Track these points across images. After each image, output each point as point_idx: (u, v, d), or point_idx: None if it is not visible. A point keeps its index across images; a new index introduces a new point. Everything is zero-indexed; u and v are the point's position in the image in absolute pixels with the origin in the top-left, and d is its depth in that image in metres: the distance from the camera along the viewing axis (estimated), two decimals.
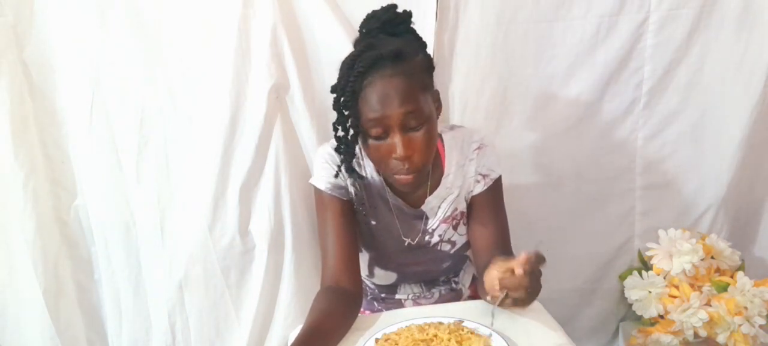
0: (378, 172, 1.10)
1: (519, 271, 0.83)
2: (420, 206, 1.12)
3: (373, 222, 1.14)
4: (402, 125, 0.94)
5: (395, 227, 1.14)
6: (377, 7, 1.03)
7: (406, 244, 1.14)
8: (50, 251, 1.35)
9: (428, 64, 1.02)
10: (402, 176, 0.98)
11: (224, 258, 1.34)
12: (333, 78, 0.99)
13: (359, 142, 1.01)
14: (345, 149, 1.01)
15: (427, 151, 0.97)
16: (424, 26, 1.27)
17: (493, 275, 0.87)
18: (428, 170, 1.05)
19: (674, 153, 1.43)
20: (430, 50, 1.24)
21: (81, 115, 1.31)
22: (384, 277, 1.22)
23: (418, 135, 0.96)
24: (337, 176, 1.08)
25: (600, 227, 1.49)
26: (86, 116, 1.30)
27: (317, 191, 1.11)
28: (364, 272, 1.21)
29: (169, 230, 1.34)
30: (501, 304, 0.87)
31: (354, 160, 1.06)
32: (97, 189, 1.35)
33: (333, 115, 1.00)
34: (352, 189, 1.12)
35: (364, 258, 1.20)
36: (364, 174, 1.11)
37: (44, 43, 1.29)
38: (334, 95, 0.98)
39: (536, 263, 0.85)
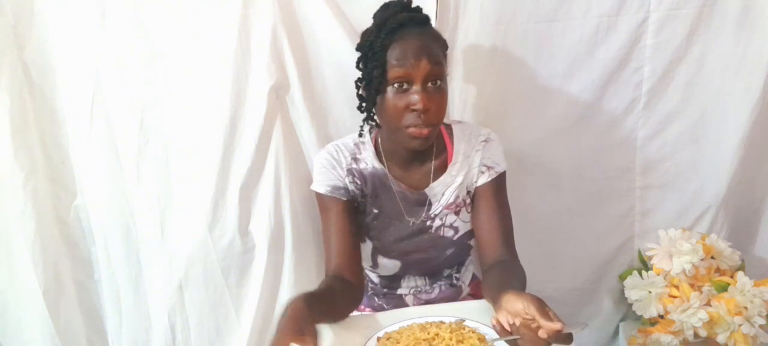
0: (389, 135, 1.12)
1: (543, 335, 0.76)
2: (423, 189, 1.15)
3: (375, 210, 1.17)
4: (426, 78, 1.01)
5: (398, 211, 1.16)
6: (376, 8, 1.07)
7: (411, 224, 1.16)
8: (50, 251, 1.35)
9: (445, 44, 1.11)
10: (416, 129, 1.03)
11: (224, 258, 1.34)
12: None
13: (375, 105, 1.06)
14: (367, 105, 1.08)
15: (441, 110, 1.05)
16: None
17: (514, 310, 0.80)
18: (434, 136, 1.09)
19: (674, 153, 1.43)
20: None
21: (81, 115, 1.31)
22: (388, 266, 1.22)
23: (438, 93, 1.03)
24: (348, 169, 1.13)
25: (600, 227, 1.49)
26: (86, 116, 1.30)
27: (318, 196, 1.16)
28: (367, 263, 1.23)
29: (169, 230, 1.34)
30: (508, 341, 0.81)
31: (353, 154, 1.13)
32: (97, 189, 1.35)
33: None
34: (351, 186, 1.14)
35: (367, 249, 1.22)
36: (364, 166, 1.15)
37: (44, 43, 1.29)
38: (360, 53, 1.06)
39: (563, 341, 0.77)
